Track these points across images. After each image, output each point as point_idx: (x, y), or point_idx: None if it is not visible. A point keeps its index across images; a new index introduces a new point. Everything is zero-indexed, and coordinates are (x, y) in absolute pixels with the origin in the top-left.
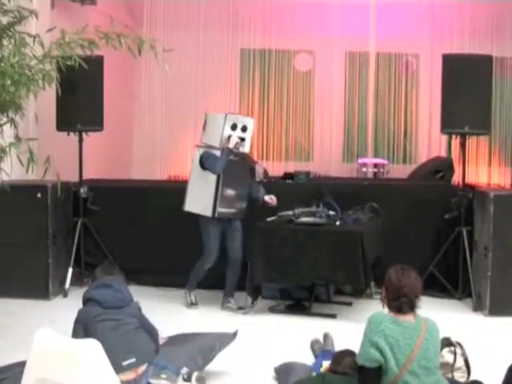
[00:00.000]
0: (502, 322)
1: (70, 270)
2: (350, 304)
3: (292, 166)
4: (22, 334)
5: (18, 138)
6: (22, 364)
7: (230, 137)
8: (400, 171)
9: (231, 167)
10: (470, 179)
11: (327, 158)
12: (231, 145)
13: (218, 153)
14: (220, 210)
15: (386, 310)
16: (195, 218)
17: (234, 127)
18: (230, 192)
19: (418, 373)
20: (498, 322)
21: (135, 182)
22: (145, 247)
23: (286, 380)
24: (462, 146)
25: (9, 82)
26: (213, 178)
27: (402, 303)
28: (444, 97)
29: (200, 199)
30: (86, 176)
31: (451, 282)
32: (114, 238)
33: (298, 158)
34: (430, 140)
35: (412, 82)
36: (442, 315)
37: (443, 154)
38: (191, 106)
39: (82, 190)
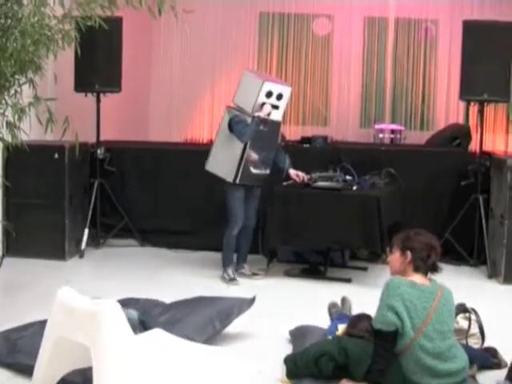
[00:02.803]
0: None
1: (87, 231)
2: (365, 269)
3: (309, 131)
4: (38, 294)
5: (37, 97)
6: (39, 323)
7: (263, 104)
8: (417, 137)
9: (259, 134)
10: (487, 147)
11: (344, 123)
12: (263, 113)
13: (249, 119)
14: (241, 176)
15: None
16: (212, 180)
17: (269, 95)
18: (254, 156)
19: (433, 337)
20: None
21: (152, 143)
22: (160, 209)
23: (301, 343)
24: (481, 113)
25: (29, 41)
26: (240, 143)
27: (431, 259)
28: (463, 64)
29: (224, 162)
30: (102, 137)
31: (466, 249)
32: (131, 199)
33: (315, 123)
34: (447, 107)
35: (431, 48)
36: (456, 282)
37: (460, 121)
38: (209, 69)
39: (99, 151)
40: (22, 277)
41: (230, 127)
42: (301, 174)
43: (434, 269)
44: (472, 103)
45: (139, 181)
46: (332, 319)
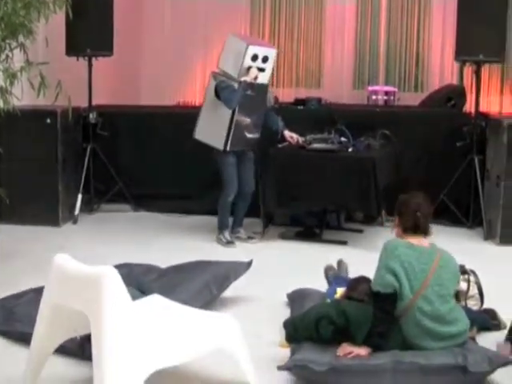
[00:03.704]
0: None
1: (80, 197)
2: (360, 231)
3: (302, 93)
4: (32, 261)
5: (28, 62)
6: (34, 290)
7: (249, 68)
8: (411, 99)
9: (247, 98)
10: (482, 108)
11: (337, 85)
12: (250, 78)
13: (235, 85)
14: (232, 142)
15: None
16: (204, 145)
17: (254, 58)
18: (247, 120)
19: (432, 299)
20: (509, 250)
21: (144, 107)
22: (154, 173)
23: (299, 307)
24: (476, 73)
25: (19, 4)
26: (228, 110)
27: (417, 220)
28: (459, 24)
29: (212, 130)
30: (94, 102)
31: (462, 211)
32: (124, 164)
33: (308, 85)
34: (442, 68)
35: (425, 7)
36: (453, 244)
37: (455, 82)
38: (201, 32)
39: (91, 116)
40: (16, 243)
41: (217, 94)
42: (295, 135)
43: (424, 231)
44: (467, 64)
45: (132, 145)
46: (329, 282)
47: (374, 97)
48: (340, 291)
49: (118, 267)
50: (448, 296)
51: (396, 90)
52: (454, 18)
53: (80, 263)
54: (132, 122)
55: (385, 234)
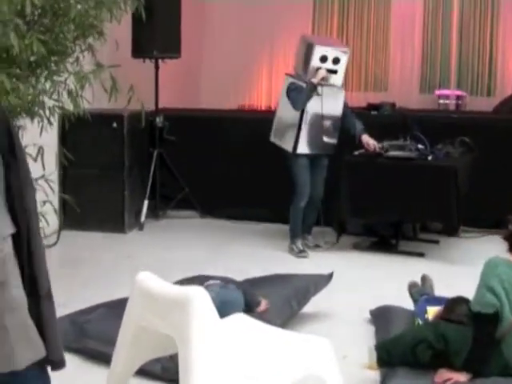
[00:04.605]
0: None
1: (146, 203)
2: (437, 242)
3: (370, 97)
4: (99, 269)
5: (99, 64)
6: (104, 305)
7: (318, 69)
8: (482, 104)
9: (318, 100)
10: None
11: (404, 89)
12: (317, 79)
13: (305, 86)
14: (302, 145)
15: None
16: (274, 148)
17: (323, 59)
18: (323, 123)
19: None
20: None
21: (212, 111)
22: (221, 179)
23: (385, 325)
24: None
25: (91, 4)
26: (296, 111)
27: None
28: None
29: (284, 132)
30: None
31: None
32: (190, 169)
33: (375, 88)
34: None
35: (499, 6)
36: None
37: None
38: (267, 34)
39: (157, 120)
40: (82, 251)
41: (288, 95)
42: (372, 142)
43: None
44: None
45: (199, 150)
46: (414, 300)
47: (440, 101)
48: (431, 310)
49: (191, 280)
50: None
51: (466, 94)
52: None
53: (164, 282)
54: (199, 126)
55: (463, 245)
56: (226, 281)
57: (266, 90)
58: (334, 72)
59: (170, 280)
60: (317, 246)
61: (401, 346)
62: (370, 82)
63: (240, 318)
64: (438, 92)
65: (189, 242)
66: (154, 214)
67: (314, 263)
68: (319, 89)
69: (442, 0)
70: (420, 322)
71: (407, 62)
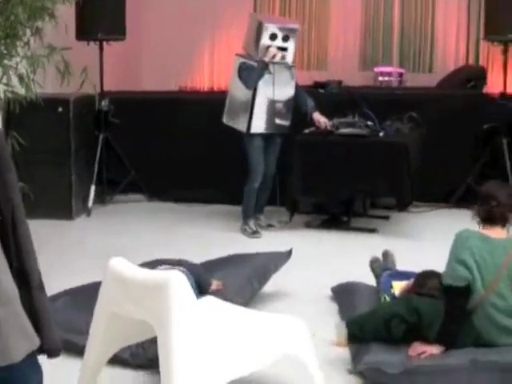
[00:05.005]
0: None
1: (93, 188)
2: (387, 218)
3: (314, 75)
4: (51, 257)
5: (52, 47)
6: (67, 293)
7: (268, 47)
8: (420, 80)
9: (269, 79)
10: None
11: (343, 66)
12: (268, 57)
13: (256, 65)
14: (256, 125)
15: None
16: (220, 129)
17: (273, 37)
18: (276, 103)
19: (506, 295)
20: None
21: (154, 93)
22: (167, 162)
23: (348, 301)
24: (504, 53)
25: None
26: (249, 91)
27: (492, 210)
28: (487, 3)
29: (237, 112)
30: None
31: None
32: (136, 152)
33: (318, 67)
34: (457, 48)
35: None
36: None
37: (464, 62)
38: (207, 13)
39: (103, 103)
40: (34, 238)
41: (239, 75)
42: (323, 119)
43: (501, 222)
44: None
45: (145, 133)
46: (376, 275)
47: (380, 78)
48: (397, 285)
49: (151, 264)
50: None
51: (405, 71)
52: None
53: (138, 268)
54: (143, 109)
55: (412, 220)
56: (180, 263)
57: (208, 71)
58: (285, 49)
59: None
60: (270, 226)
61: (373, 321)
62: (313, 61)
63: (211, 301)
64: (377, 69)
65: (137, 227)
66: (101, 199)
67: (267, 242)
68: (271, 67)
69: None
70: (387, 298)
71: (349, 39)
